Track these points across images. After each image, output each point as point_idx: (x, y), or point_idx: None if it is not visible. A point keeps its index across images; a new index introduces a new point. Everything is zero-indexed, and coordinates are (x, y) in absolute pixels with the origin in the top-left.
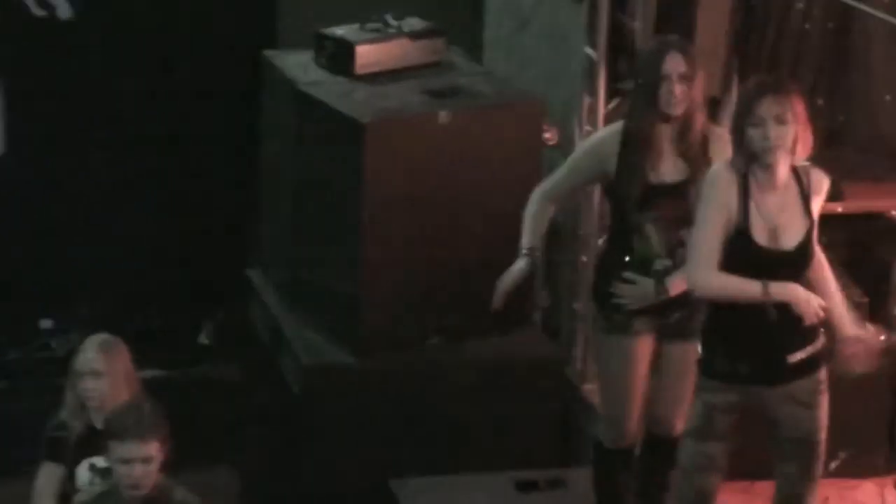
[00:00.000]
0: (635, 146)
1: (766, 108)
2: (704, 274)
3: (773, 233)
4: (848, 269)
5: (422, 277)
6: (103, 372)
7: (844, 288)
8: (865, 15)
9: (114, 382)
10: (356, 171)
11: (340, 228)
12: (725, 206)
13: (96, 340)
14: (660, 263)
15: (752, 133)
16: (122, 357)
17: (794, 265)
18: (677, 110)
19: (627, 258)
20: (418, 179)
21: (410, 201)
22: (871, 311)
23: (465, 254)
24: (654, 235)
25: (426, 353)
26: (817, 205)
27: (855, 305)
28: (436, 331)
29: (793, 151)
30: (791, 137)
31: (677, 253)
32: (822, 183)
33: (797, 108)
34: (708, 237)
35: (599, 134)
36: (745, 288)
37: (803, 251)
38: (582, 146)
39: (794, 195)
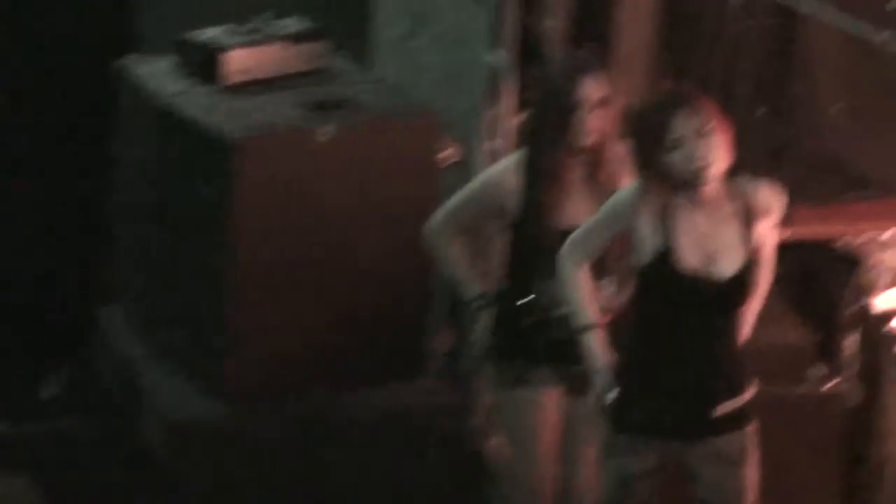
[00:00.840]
0: (538, 183)
1: (682, 123)
2: (569, 266)
3: (704, 258)
4: (793, 304)
5: (301, 318)
6: None
7: (789, 326)
8: (809, 11)
9: None
10: (223, 196)
11: (206, 262)
12: (625, 217)
13: None
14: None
15: (673, 157)
16: None
17: (724, 300)
18: (588, 141)
19: (526, 307)
20: (296, 205)
21: (287, 230)
22: (821, 351)
23: (352, 290)
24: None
25: (307, 404)
26: (764, 228)
27: (800, 347)
28: (318, 379)
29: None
30: (718, 148)
31: None
32: (769, 202)
33: (714, 114)
34: (591, 230)
35: (501, 165)
36: (577, 311)
37: (739, 284)
38: (480, 177)
39: (730, 215)
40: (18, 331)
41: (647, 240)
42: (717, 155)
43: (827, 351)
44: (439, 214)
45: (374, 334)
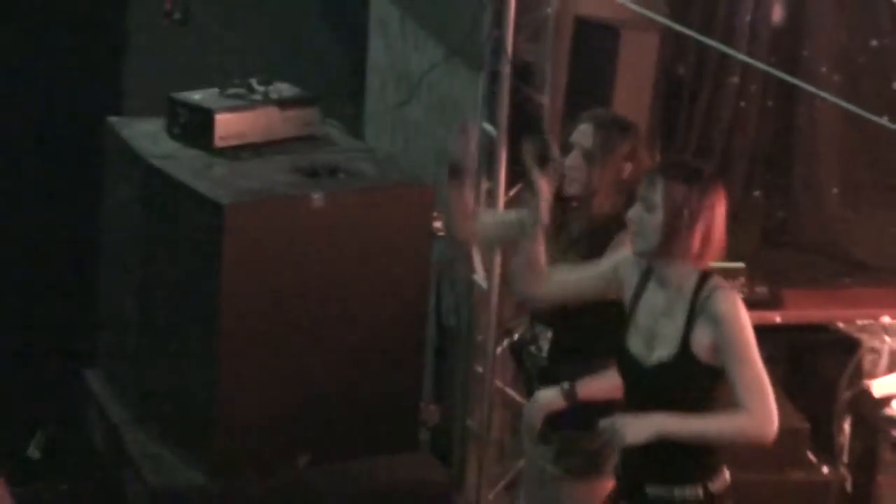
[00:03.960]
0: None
1: (641, 188)
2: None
3: (646, 340)
4: (786, 389)
5: (289, 387)
6: None
7: (783, 410)
8: (809, 93)
9: None
10: (213, 261)
11: (194, 327)
12: (614, 271)
13: None
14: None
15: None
16: None
17: (649, 388)
18: (570, 189)
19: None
20: (286, 272)
21: (276, 297)
22: (813, 438)
23: (341, 360)
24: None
25: (293, 475)
26: (702, 337)
27: (793, 432)
28: (305, 450)
29: (685, 252)
30: (652, 227)
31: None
32: (715, 315)
33: (671, 197)
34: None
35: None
36: None
37: (662, 377)
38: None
39: (680, 308)
40: (3, 387)
41: (624, 308)
42: (647, 232)
43: (822, 436)
44: None
45: (363, 406)
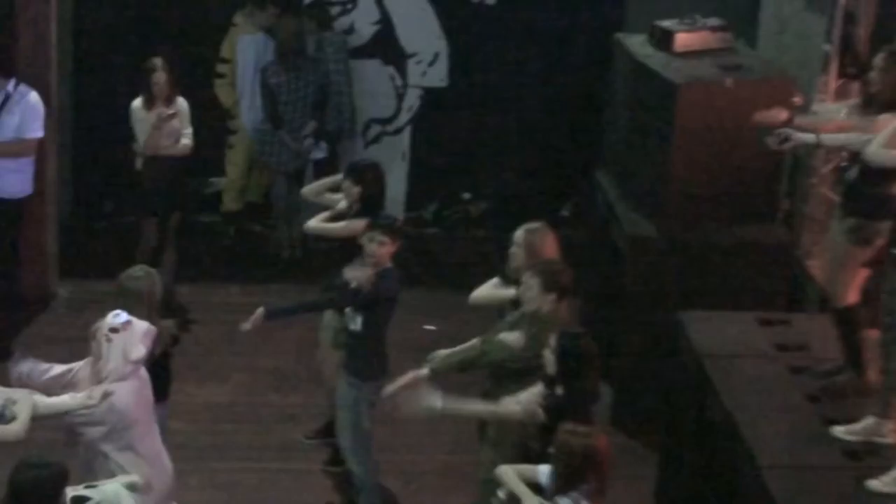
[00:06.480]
0: None
1: None
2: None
3: None
4: None
5: (710, 177)
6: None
7: None
8: None
9: None
10: (671, 111)
11: (657, 150)
12: None
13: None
14: None
15: None
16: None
17: None
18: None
19: None
20: (711, 119)
21: (706, 133)
22: None
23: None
24: None
25: (707, 235)
26: None
27: None
28: (714, 217)
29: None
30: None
31: None
32: None
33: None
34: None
35: None
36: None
37: None
38: None
39: None
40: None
41: None
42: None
43: None
44: None
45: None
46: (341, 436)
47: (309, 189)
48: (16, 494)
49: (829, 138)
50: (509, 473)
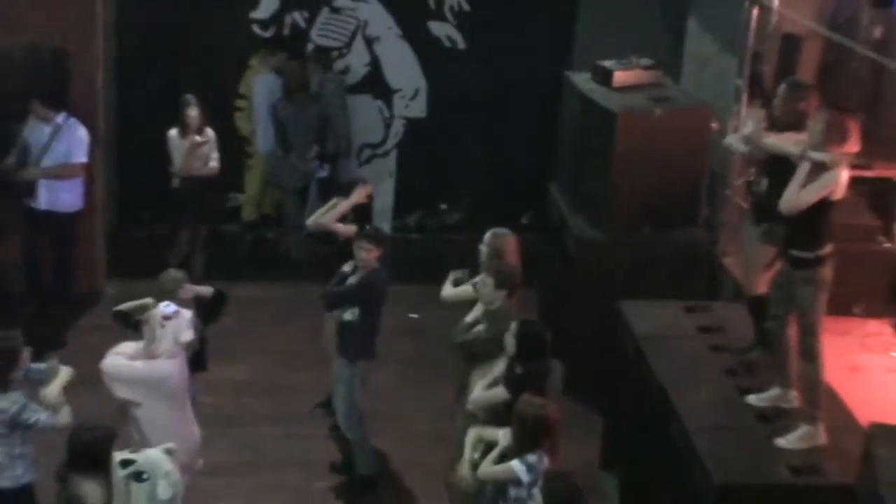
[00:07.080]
0: None
1: None
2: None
3: None
4: None
5: (642, 189)
6: None
7: None
8: None
9: None
10: (611, 139)
11: (600, 167)
12: None
13: None
14: None
15: None
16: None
17: None
18: None
19: None
20: (643, 146)
21: (638, 157)
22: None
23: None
24: None
25: (642, 237)
26: None
27: None
28: (648, 222)
29: None
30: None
31: None
32: None
33: None
34: None
35: None
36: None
37: None
38: None
39: None
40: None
41: None
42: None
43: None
44: None
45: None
46: (337, 406)
47: (311, 220)
48: (74, 454)
49: (769, 143)
50: (477, 435)
